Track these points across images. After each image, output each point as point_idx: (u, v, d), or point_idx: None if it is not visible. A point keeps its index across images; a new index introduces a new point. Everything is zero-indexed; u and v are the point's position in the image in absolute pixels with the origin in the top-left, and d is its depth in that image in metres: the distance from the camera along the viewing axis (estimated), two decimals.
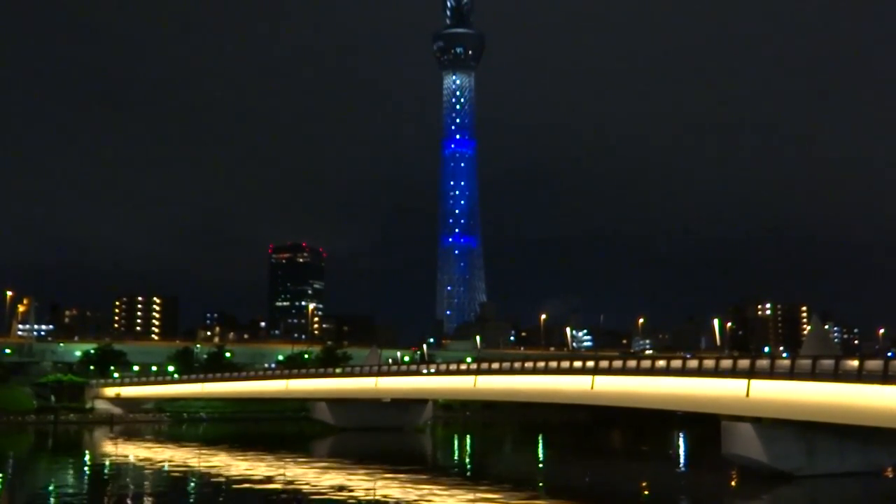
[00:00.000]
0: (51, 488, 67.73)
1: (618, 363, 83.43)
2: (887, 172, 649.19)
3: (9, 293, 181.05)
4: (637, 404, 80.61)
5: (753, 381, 66.85)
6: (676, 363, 76.91)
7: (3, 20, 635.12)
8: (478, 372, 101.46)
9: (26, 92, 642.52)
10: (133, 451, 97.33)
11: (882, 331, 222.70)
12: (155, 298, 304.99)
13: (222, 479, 70.10)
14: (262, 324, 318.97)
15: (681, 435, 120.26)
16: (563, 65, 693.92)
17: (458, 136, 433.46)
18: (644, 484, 71.74)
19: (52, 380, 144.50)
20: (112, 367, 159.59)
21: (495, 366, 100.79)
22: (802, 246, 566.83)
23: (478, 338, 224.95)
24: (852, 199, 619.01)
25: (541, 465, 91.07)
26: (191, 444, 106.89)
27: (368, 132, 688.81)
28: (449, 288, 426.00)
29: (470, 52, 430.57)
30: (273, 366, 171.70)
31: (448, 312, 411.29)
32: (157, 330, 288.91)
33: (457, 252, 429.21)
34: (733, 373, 69.11)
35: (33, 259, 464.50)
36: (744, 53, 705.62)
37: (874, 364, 59.58)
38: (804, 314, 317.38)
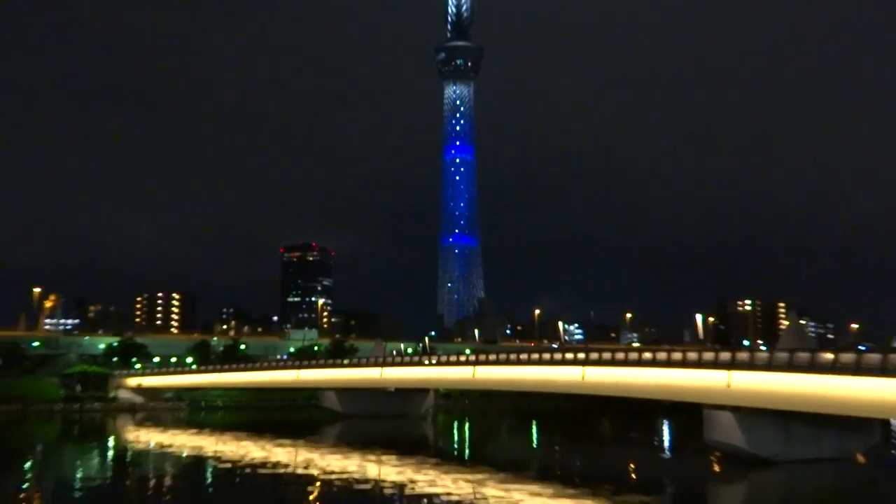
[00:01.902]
0: (77, 472, 67.88)
1: (607, 355, 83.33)
2: (854, 181, 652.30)
3: (37, 290, 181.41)
4: (625, 394, 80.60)
5: (734, 373, 66.94)
6: (662, 355, 76.81)
7: (20, 23, 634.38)
8: (476, 363, 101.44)
9: (49, 98, 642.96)
10: (154, 438, 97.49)
11: (855, 326, 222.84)
12: (174, 294, 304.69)
13: (238, 463, 70.21)
14: (275, 318, 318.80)
15: (666, 422, 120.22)
16: (557, 76, 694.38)
17: (458, 143, 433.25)
18: (631, 467, 71.91)
19: (77, 371, 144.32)
20: (134, 359, 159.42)
21: (492, 357, 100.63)
22: (780, 247, 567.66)
23: (476, 331, 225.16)
24: (825, 204, 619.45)
25: (535, 450, 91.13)
26: (208, 430, 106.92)
27: (374, 139, 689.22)
28: (449, 285, 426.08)
29: (469, 64, 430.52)
30: (285, 357, 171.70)
31: (448, 308, 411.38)
32: (176, 324, 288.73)
33: (457, 251, 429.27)
34: (715, 365, 69.16)
35: (60, 258, 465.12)
36: (726, 66, 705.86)
37: (847, 357, 59.69)
38: (782, 310, 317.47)
